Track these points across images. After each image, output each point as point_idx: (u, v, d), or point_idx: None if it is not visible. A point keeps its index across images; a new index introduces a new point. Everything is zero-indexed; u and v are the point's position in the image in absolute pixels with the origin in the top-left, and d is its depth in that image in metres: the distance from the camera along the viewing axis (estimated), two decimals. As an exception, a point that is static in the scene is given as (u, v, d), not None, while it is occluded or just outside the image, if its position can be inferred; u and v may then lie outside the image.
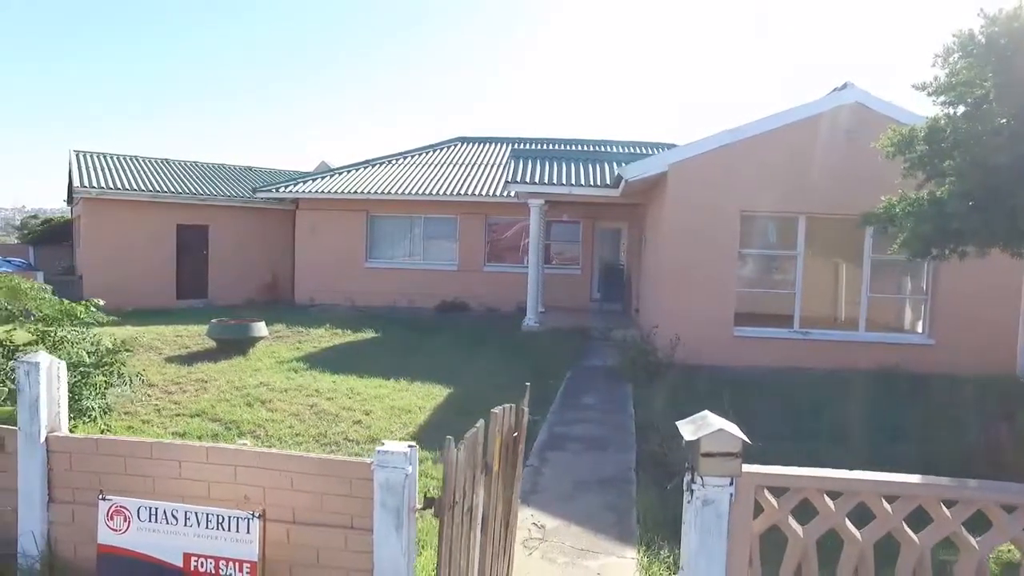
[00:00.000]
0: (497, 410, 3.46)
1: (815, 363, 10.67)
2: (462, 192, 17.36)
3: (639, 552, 4.70)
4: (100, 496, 2.82)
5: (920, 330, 11.33)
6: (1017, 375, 10.64)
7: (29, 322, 5.77)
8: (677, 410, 8.30)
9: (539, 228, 14.18)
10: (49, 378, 3.19)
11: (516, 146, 20.93)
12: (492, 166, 19.34)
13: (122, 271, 17.22)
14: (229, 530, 2.66)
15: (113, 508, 2.77)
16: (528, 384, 4.16)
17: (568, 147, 19.18)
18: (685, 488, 2.83)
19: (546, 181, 13.67)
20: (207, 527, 2.67)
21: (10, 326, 5.62)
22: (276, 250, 19.87)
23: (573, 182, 13.73)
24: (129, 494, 3.11)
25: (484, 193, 17.35)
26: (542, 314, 14.60)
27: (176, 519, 2.71)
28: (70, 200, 23.13)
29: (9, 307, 5.52)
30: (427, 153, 20.44)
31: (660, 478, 6.34)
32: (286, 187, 18.13)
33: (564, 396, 9.20)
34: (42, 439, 3.16)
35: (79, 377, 5.28)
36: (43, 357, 3.21)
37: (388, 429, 7.15)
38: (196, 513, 2.71)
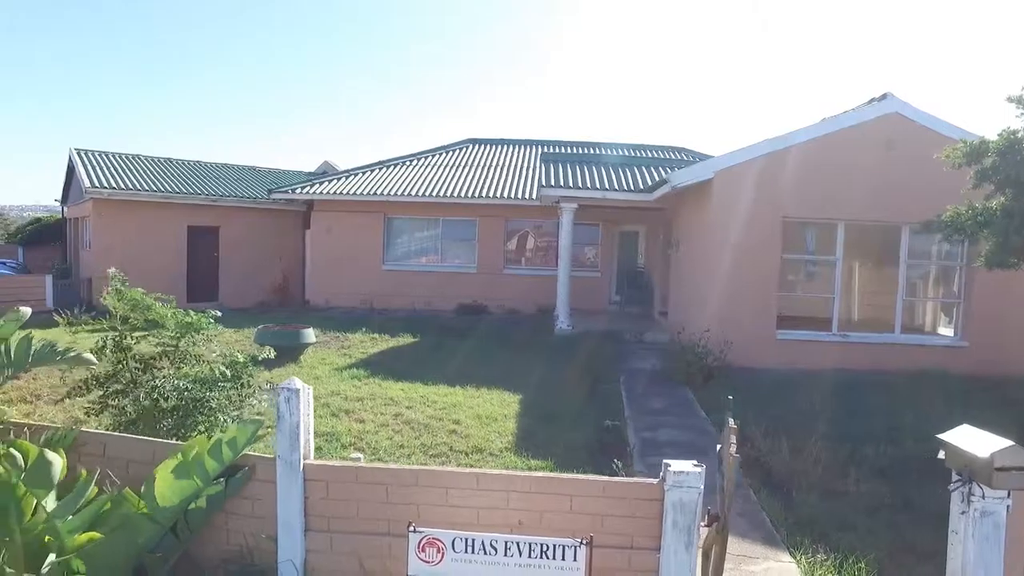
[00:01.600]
0: (729, 427, 3.54)
1: (853, 365, 11.00)
2: (482, 194, 17.37)
3: (795, 556, 4.84)
4: (411, 528, 2.82)
5: (953, 333, 11.75)
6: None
7: (150, 333, 5.67)
8: (748, 413, 8.52)
9: (571, 232, 14.28)
10: (305, 404, 3.17)
11: (528, 148, 21.04)
12: (509, 168, 19.39)
13: (133, 273, 16.72)
14: (554, 558, 2.69)
15: (425, 540, 2.77)
16: (730, 397, 4.24)
17: (589, 151, 19.31)
18: (960, 499, 2.97)
19: (580, 185, 13.79)
20: (530, 556, 2.69)
21: (138, 334, 5.51)
22: (286, 251, 19.63)
23: (607, 186, 13.86)
24: (391, 522, 3.13)
25: (504, 195, 17.39)
26: (570, 317, 14.71)
27: (495, 549, 2.72)
28: (65, 200, 22.44)
29: (134, 319, 5.41)
30: (441, 155, 20.36)
31: (770, 483, 6.53)
32: (302, 188, 17.89)
33: (630, 401, 9.32)
34: (301, 467, 3.15)
35: (210, 391, 5.19)
36: (299, 383, 3.19)
37: (486, 438, 7.18)
38: (518, 543, 2.73)
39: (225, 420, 5.19)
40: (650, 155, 19.51)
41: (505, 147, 21.18)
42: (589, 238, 17.96)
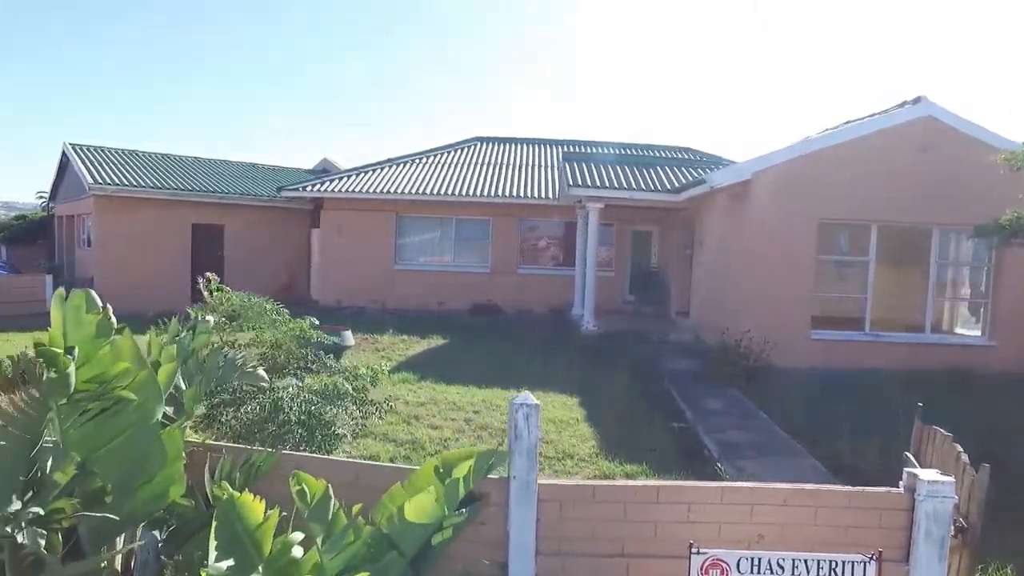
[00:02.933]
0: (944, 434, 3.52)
1: (884, 364, 11.18)
2: (496, 193, 17.24)
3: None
4: (693, 550, 2.72)
5: (980, 332, 12.03)
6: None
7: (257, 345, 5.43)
8: (806, 414, 8.56)
9: (597, 232, 14.25)
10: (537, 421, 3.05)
11: (536, 147, 20.96)
12: (521, 167, 19.28)
13: (137, 273, 16.28)
14: (843, 575, 2.63)
15: (709, 561, 2.68)
16: (920, 404, 4.21)
17: (597, 150, 19.29)
18: None
19: (607, 184, 13.76)
20: (818, 574, 2.63)
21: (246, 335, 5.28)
22: (291, 250, 19.21)
23: (634, 186, 13.87)
24: (626, 541, 3.03)
25: (518, 194, 17.28)
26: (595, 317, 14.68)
27: (782, 568, 2.65)
28: (54, 196, 21.61)
29: (255, 328, 5.17)
30: (449, 153, 20.14)
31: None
32: (312, 186, 17.52)
33: (685, 402, 9.31)
34: (535, 488, 3.03)
35: (332, 406, 4.95)
36: (533, 398, 3.07)
37: (570, 443, 7.10)
38: (805, 560, 2.66)
39: (343, 436, 4.99)
40: (658, 155, 19.60)
41: (512, 145, 21.06)
42: (604, 238, 17.86)
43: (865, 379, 10.53)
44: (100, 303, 2.76)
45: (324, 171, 22.79)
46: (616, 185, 13.80)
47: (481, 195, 17.15)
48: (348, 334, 10.80)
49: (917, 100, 11.39)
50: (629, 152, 19.01)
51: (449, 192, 17.20)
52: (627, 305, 17.70)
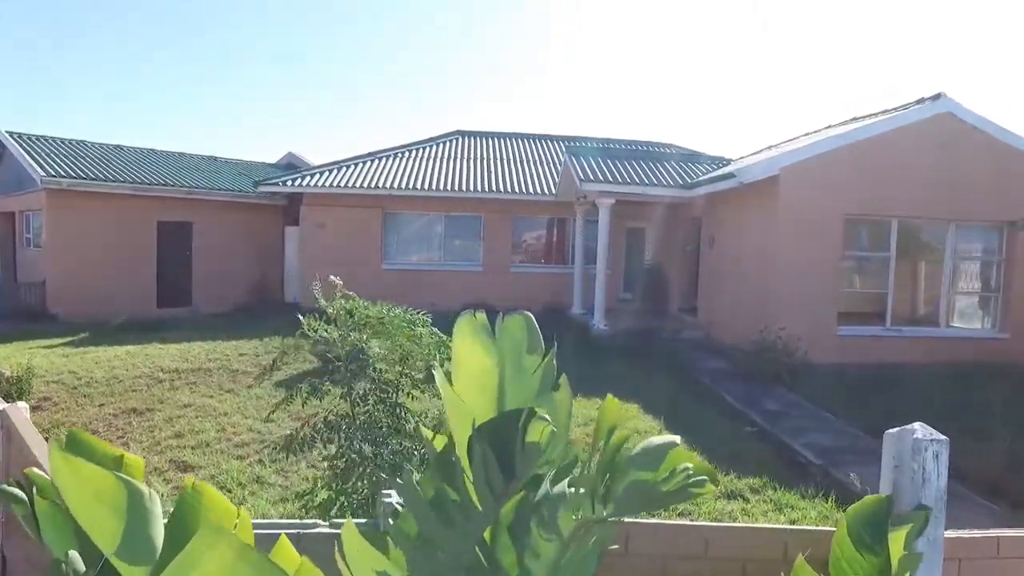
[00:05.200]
0: None
1: (905, 358, 11.26)
2: (488, 188, 16.57)
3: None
4: None
5: (991, 325, 12.30)
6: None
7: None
8: (869, 412, 8.36)
9: (608, 229, 13.81)
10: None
11: (519, 142, 20.36)
12: (510, 162, 18.64)
13: (96, 276, 14.73)
14: None
15: None
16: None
17: (585, 144, 18.86)
18: None
19: (619, 180, 13.35)
20: None
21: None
22: (263, 249, 17.93)
23: (646, 181, 13.52)
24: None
25: (511, 189, 16.67)
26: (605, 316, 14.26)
27: None
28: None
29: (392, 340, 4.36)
30: (431, 147, 19.26)
31: (977, 489, 6.33)
32: (293, 180, 16.33)
33: (740, 402, 9.00)
34: (941, 544, 2.47)
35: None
36: (931, 431, 2.51)
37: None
38: None
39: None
40: (645, 150, 19.37)
41: (495, 140, 20.37)
42: (597, 235, 17.56)
43: (895, 374, 10.52)
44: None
45: (290, 165, 21.43)
46: (629, 180, 13.40)
47: (473, 190, 16.43)
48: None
49: (937, 96, 11.50)
50: (612, 147, 18.69)
51: (440, 187, 16.40)
52: (622, 303, 17.37)
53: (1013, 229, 11.63)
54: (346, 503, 3.93)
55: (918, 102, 11.79)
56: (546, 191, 16.68)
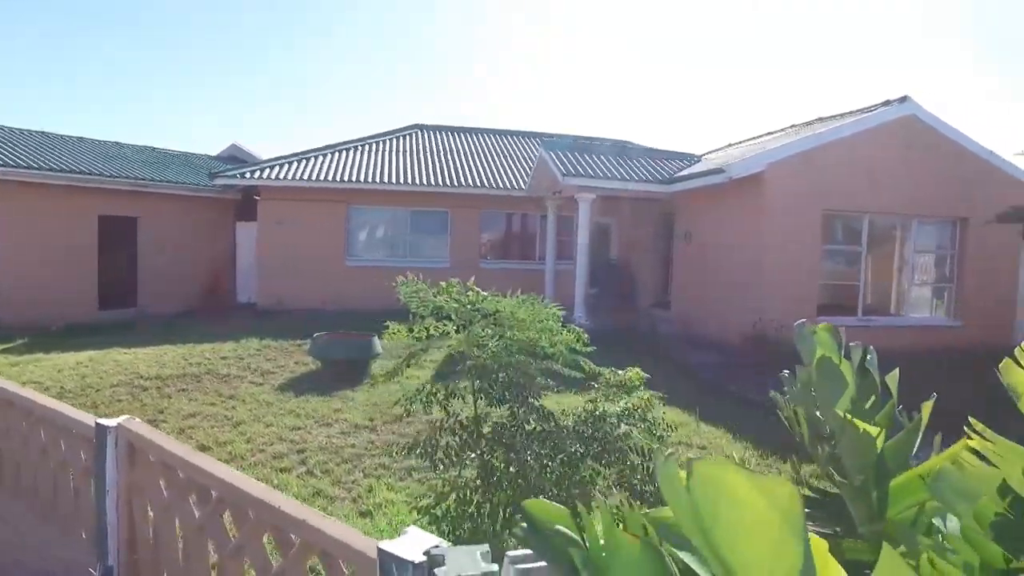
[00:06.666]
0: None
1: (874, 346, 11.91)
2: (456, 182, 16.22)
3: None
4: None
5: (946, 314, 13.18)
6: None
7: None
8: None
9: (588, 224, 13.80)
10: None
11: (480, 137, 20.08)
12: (474, 156, 18.31)
13: (30, 277, 13.35)
14: None
15: None
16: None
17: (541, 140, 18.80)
18: None
19: (600, 175, 13.36)
20: None
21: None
22: (214, 246, 16.82)
23: (627, 176, 13.60)
24: None
25: (479, 183, 16.39)
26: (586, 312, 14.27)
27: None
28: None
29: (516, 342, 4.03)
30: (393, 140, 18.63)
31: None
32: (252, 172, 15.36)
33: (755, 394, 9.19)
34: None
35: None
36: None
37: (724, 446, 6.61)
38: None
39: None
40: (610, 146, 19.53)
41: (453, 134, 19.98)
42: (565, 230, 17.57)
43: (886, 362, 11.10)
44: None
45: (234, 158, 20.19)
46: (610, 175, 13.44)
47: (440, 184, 16.04)
48: (376, 341, 9.46)
49: (903, 99, 12.17)
50: (584, 142, 18.75)
51: (407, 180, 15.90)
52: (588, 299, 17.43)
53: (966, 227, 12.49)
54: (483, 520, 3.58)
55: (884, 104, 12.45)
56: (513, 186, 16.50)
